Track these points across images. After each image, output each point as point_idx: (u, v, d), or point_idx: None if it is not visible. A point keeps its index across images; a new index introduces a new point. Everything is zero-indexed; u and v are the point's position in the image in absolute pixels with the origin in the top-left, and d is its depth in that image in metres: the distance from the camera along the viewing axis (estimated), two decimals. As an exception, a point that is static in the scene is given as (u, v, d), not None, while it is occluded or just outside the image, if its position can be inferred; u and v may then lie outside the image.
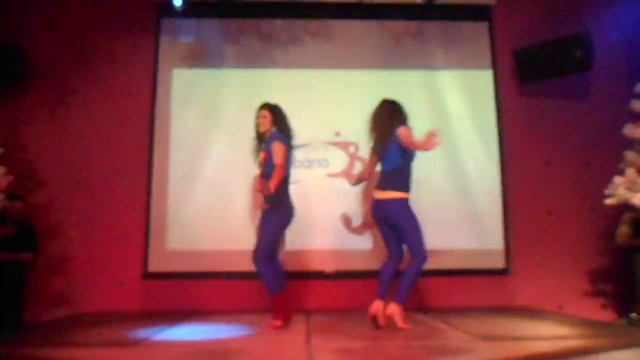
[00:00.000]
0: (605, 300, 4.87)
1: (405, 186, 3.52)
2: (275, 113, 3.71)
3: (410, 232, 3.45)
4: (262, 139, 3.73)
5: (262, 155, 3.67)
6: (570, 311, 4.62)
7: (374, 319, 3.37)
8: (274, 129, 3.68)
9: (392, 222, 3.51)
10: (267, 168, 3.57)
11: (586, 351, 2.51)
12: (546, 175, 5.07)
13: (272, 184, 3.41)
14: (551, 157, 5.10)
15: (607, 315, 4.73)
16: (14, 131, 4.94)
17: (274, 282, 3.49)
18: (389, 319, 3.30)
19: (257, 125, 3.71)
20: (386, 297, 3.42)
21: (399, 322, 3.28)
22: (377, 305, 3.39)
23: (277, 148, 3.55)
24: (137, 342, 2.89)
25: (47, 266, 4.78)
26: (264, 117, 3.68)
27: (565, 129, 5.14)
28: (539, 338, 3.02)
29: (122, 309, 4.64)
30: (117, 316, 4.18)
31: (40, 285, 4.74)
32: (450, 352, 2.58)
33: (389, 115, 3.63)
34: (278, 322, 3.49)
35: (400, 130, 3.49)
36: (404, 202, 3.48)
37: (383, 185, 3.56)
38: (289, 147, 3.67)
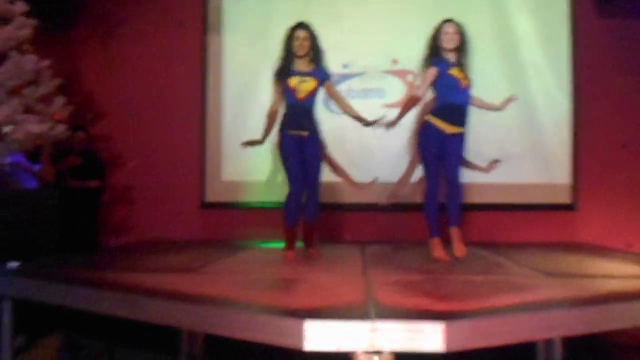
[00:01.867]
0: (679, 240, 4.58)
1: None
2: (314, 35, 3.41)
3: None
4: (293, 64, 3.39)
5: (311, 84, 3.37)
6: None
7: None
8: (309, 55, 3.40)
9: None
10: (309, 100, 3.39)
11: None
12: (622, 107, 4.70)
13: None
14: (630, 87, 4.67)
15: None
16: (70, 64, 4.99)
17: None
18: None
19: (297, 48, 3.35)
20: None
21: (432, 252, 3.28)
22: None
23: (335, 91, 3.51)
24: (198, 269, 2.96)
25: (111, 195, 4.97)
26: (306, 39, 3.36)
27: (648, 55, 4.66)
28: (607, 276, 2.86)
29: (182, 237, 4.79)
30: (177, 244, 4.32)
31: (105, 213, 4.94)
32: (514, 288, 2.48)
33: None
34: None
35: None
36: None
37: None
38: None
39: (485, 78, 4.62)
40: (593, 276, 2.89)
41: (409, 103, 3.41)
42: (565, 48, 4.74)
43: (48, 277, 2.57)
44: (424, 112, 3.54)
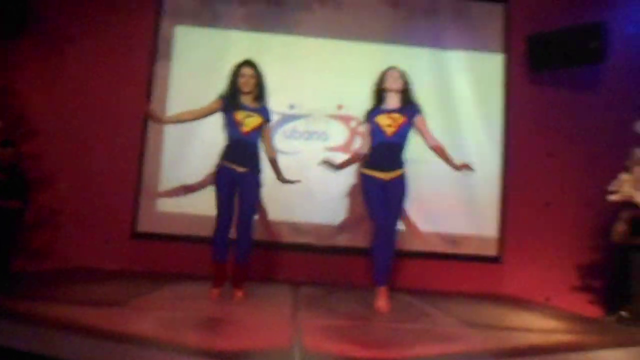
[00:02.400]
0: (592, 296, 4.86)
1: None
2: (260, 75, 3.44)
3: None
4: (239, 99, 3.40)
5: (257, 120, 3.39)
6: (557, 304, 4.62)
7: None
8: (254, 92, 3.42)
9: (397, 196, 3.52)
10: (253, 135, 3.39)
11: (576, 347, 2.49)
12: (548, 166, 5.00)
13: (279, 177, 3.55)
14: (555, 148, 5.02)
15: (593, 311, 4.73)
16: (7, 76, 4.77)
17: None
18: None
19: (242, 84, 3.37)
20: None
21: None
22: None
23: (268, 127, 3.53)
24: (122, 303, 2.84)
25: (36, 217, 4.69)
26: (252, 76, 3.39)
27: (572, 121, 5.03)
28: (527, 330, 2.99)
29: (109, 267, 4.59)
30: (103, 274, 4.13)
31: (28, 235, 4.66)
32: (438, 338, 2.55)
33: None
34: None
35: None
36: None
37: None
38: None
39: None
40: (513, 329, 3.01)
41: (354, 157, 3.64)
42: (498, 108, 5.04)
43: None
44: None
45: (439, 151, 3.49)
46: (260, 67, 3.46)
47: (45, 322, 2.16)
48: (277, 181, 3.60)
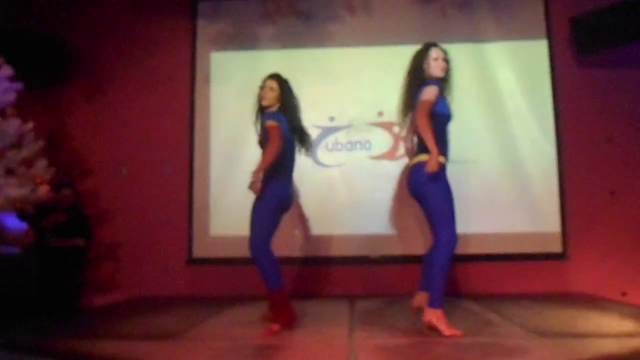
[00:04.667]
0: (673, 288, 4.51)
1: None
2: (284, 87, 3.22)
3: (433, 208, 2.85)
4: (263, 114, 3.26)
5: (258, 135, 3.26)
6: (634, 299, 4.31)
7: (420, 310, 3.01)
8: (276, 105, 3.22)
9: (416, 192, 2.92)
10: (264, 149, 3.12)
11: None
12: (608, 153, 4.70)
13: (256, 171, 2.95)
14: (613, 133, 4.71)
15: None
16: (59, 121, 5.02)
17: (273, 276, 3.01)
18: (432, 328, 2.77)
19: (261, 98, 3.23)
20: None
21: (444, 330, 2.73)
22: (419, 298, 3.07)
23: (271, 129, 3.03)
24: (179, 334, 2.87)
25: (98, 252, 4.88)
26: (272, 89, 3.20)
27: (629, 103, 4.71)
28: (601, 335, 2.78)
29: (169, 294, 4.69)
30: (162, 302, 4.22)
31: (91, 270, 4.85)
32: (505, 353, 2.40)
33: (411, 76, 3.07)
34: (277, 327, 2.96)
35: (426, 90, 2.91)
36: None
37: (416, 152, 3.02)
38: (289, 129, 3.19)
39: (471, 129, 4.71)
40: (586, 335, 2.80)
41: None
42: (547, 98, 4.78)
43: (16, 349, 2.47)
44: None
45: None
46: (287, 81, 3.28)
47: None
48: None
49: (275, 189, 3.07)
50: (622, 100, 4.71)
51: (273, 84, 3.23)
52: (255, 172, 2.95)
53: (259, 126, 3.32)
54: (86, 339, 2.77)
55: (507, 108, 4.78)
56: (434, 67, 2.99)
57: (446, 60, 3.03)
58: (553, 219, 4.67)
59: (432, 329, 2.75)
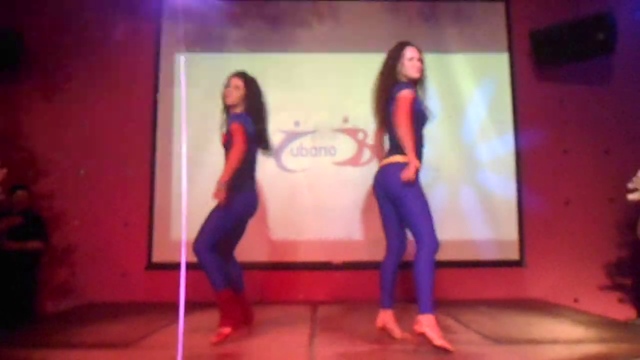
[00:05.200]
0: (622, 295, 4.69)
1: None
2: (249, 86, 3.06)
3: (412, 212, 2.69)
4: (228, 114, 3.11)
5: (222, 136, 3.08)
6: (586, 305, 4.46)
7: (385, 330, 2.87)
8: (242, 106, 3.07)
9: (392, 194, 2.77)
10: (227, 152, 2.99)
11: (606, 359, 2.36)
12: (564, 164, 4.87)
13: (221, 179, 2.82)
14: (569, 144, 4.89)
15: (625, 310, 4.56)
16: (13, 119, 4.83)
17: (218, 276, 2.88)
18: (421, 334, 2.57)
19: (225, 96, 3.06)
20: (392, 305, 2.88)
21: (434, 339, 2.51)
22: (382, 317, 2.87)
23: (235, 132, 2.89)
24: (135, 342, 2.80)
25: (52, 256, 4.71)
26: (237, 87, 3.04)
27: (585, 116, 4.90)
28: (553, 341, 2.86)
29: (127, 299, 4.57)
30: (119, 308, 4.10)
31: (46, 275, 4.68)
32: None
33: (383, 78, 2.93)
34: (227, 329, 2.87)
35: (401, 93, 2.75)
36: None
37: (389, 152, 2.88)
38: (255, 131, 3.03)
39: (432, 137, 4.77)
40: (539, 342, 2.87)
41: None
42: (507, 108, 4.92)
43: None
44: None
45: None
46: (254, 80, 3.14)
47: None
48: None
49: (240, 198, 2.96)
50: (578, 114, 4.89)
51: (239, 82, 3.08)
52: (221, 180, 2.82)
53: (224, 126, 3.17)
54: (37, 348, 2.67)
55: (468, 117, 4.89)
56: (409, 68, 2.84)
57: (421, 60, 2.88)
58: (511, 227, 4.80)
59: (421, 335, 2.56)
